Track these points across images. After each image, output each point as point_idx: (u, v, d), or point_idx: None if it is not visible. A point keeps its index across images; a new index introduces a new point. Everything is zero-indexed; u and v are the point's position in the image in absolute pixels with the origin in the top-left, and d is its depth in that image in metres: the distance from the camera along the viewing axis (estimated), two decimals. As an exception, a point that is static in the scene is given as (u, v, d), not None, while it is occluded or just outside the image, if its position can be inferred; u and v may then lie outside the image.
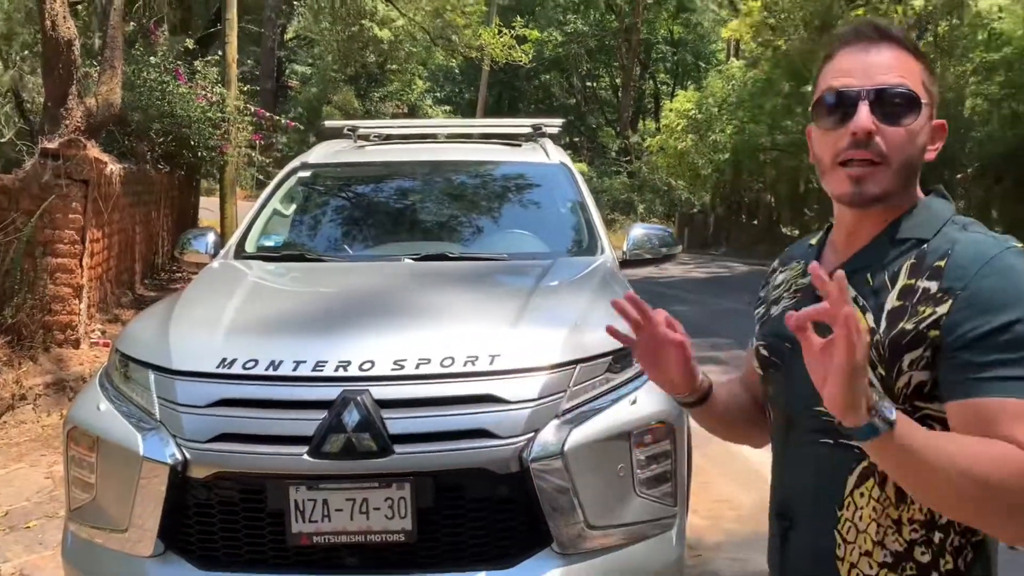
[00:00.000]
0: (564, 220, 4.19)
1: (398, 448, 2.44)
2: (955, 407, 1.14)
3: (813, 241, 1.44)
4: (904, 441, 1.05)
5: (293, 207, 4.33)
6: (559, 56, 37.51)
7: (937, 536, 1.21)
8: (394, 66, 31.11)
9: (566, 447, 2.48)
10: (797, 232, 27.58)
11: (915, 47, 1.27)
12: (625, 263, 3.89)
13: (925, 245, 1.22)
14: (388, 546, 2.47)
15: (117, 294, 9.13)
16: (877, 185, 1.22)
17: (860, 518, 1.23)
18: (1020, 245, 1.18)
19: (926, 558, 1.21)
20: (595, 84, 41.35)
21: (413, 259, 3.68)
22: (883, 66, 1.23)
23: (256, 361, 2.58)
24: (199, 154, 12.08)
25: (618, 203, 31.79)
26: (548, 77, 39.90)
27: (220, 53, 14.33)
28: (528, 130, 5.00)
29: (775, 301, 1.43)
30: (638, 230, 4.06)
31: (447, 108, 35.70)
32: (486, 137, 5.15)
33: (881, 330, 1.19)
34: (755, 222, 27.48)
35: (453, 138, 5.33)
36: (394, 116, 29.69)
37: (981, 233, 1.21)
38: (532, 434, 2.50)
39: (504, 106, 37.74)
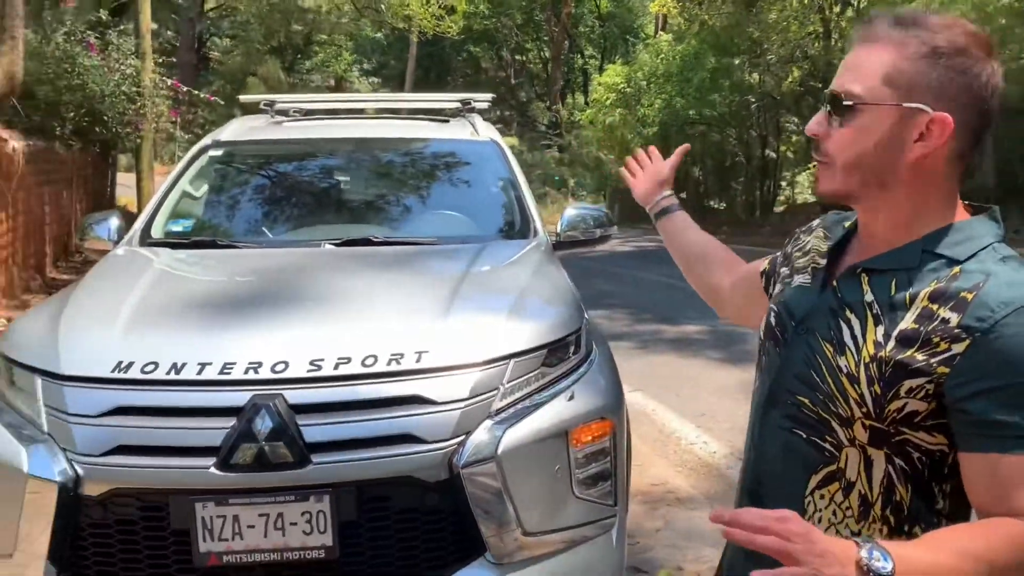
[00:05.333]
0: (495, 200, 3.99)
1: (316, 457, 2.23)
2: (969, 459, 1.12)
3: (848, 223, 1.37)
4: None
5: (204, 188, 4.03)
6: (488, 28, 37.04)
7: None
8: (322, 37, 30.29)
9: (499, 450, 2.30)
10: (724, 205, 27.92)
11: (903, 29, 1.17)
12: (559, 245, 3.71)
13: (956, 268, 1.16)
14: (307, 563, 2.26)
15: (25, 278, 8.65)
16: (826, 183, 1.23)
17: (819, 520, 1.22)
18: None
19: None
20: (525, 57, 41.00)
21: (334, 244, 3.43)
22: (843, 67, 1.22)
23: (156, 364, 2.33)
24: (114, 130, 11.49)
25: (549, 177, 31.67)
26: (477, 50, 39.41)
27: (134, 24, 13.63)
28: (456, 105, 4.78)
29: (799, 269, 1.37)
30: (572, 211, 3.87)
31: (375, 80, 34.98)
32: (412, 113, 4.89)
33: (888, 348, 1.15)
34: (683, 195, 27.74)
35: (378, 114, 5.05)
36: (318, 89, 28.95)
37: (1020, 273, 1.14)
38: (463, 437, 2.31)
39: (432, 78, 37.14)
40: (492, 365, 2.42)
